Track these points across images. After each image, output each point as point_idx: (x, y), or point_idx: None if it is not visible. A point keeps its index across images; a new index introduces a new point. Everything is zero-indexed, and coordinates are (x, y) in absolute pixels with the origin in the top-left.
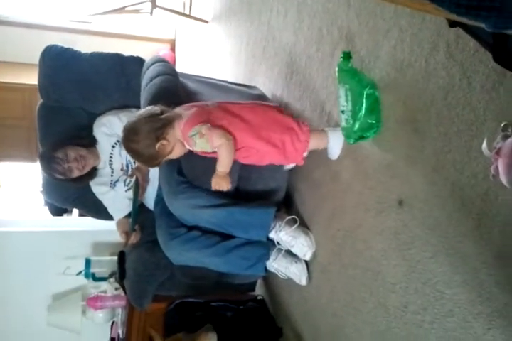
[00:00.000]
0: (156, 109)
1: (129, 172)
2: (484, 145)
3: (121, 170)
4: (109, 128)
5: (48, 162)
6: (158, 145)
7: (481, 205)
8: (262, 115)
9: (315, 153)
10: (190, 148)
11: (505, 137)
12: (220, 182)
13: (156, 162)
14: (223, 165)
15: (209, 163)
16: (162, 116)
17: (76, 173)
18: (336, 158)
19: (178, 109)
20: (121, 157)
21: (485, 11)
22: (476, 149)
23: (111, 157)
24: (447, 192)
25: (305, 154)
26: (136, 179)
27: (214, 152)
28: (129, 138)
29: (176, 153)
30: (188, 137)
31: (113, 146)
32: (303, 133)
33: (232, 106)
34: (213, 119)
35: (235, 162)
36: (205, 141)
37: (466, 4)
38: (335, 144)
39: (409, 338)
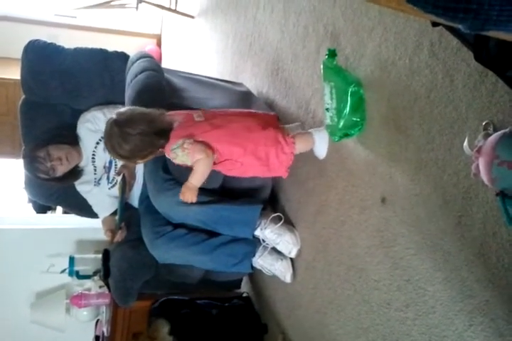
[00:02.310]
0: (159, 113)
1: (113, 170)
2: (466, 143)
3: (104, 167)
4: (94, 124)
5: (31, 161)
6: (150, 154)
7: (462, 203)
8: (249, 127)
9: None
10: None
11: (487, 136)
12: (188, 194)
13: (131, 160)
14: (196, 179)
15: None
16: (165, 126)
17: (59, 172)
18: (323, 158)
19: (168, 118)
20: (105, 154)
21: (462, 12)
22: (458, 147)
23: (93, 154)
24: (429, 190)
25: (289, 166)
26: (123, 176)
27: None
28: (124, 126)
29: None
30: (170, 150)
31: (97, 143)
32: (288, 145)
33: (219, 117)
34: (198, 134)
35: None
36: (185, 155)
37: (443, 5)
38: (321, 144)
39: (392, 335)
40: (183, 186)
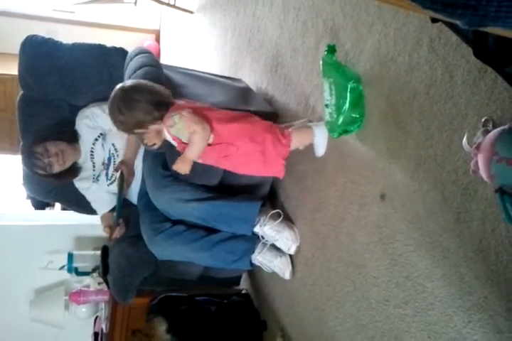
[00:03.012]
0: (166, 91)
1: (112, 166)
2: (465, 140)
3: (103, 164)
4: (93, 120)
5: (29, 157)
6: (148, 123)
7: (461, 200)
8: (247, 121)
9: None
10: (168, 136)
11: (486, 132)
12: (181, 165)
13: (128, 128)
14: (192, 151)
15: None
16: (168, 101)
17: (57, 168)
18: (322, 154)
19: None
20: (104, 150)
21: (460, 8)
22: (458, 144)
23: (92, 151)
24: (428, 186)
25: (284, 163)
26: (121, 173)
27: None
28: (128, 91)
29: (152, 138)
30: (169, 117)
31: (96, 139)
32: (285, 138)
33: (220, 110)
34: (197, 108)
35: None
36: (183, 124)
37: (442, 1)
38: (320, 139)
39: (391, 331)
40: (177, 159)
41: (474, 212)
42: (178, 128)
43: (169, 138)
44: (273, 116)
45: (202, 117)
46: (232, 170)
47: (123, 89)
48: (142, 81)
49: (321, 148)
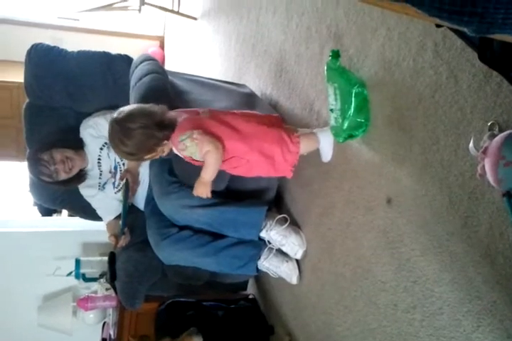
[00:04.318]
0: (159, 108)
1: (119, 175)
2: (471, 144)
3: (110, 172)
4: (96, 130)
5: (35, 164)
6: (155, 147)
7: (468, 204)
8: (255, 125)
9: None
10: (179, 154)
11: (492, 136)
12: (201, 189)
13: (137, 156)
14: (208, 172)
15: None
16: (166, 119)
17: (63, 176)
18: (329, 160)
19: (172, 113)
20: (110, 159)
21: (467, 16)
22: (464, 148)
23: (99, 159)
24: (435, 190)
25: (294, 166)
26: (127, 181)
27: (202, 161)
28: (124, 122)
29: (158, 155)
30: (179, 141)
31: (101, 148)
32: (293, 144)
33: (225, 115)
34: (205, 127)
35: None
36: (195, 146)
37: (448, 9)
38: (326, 144)
39: (399, 336)
40: (196, 183)
41: (482, 216)
42: (191, 152)
43: (180, 154)
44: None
45: (212, 135)
46: (241, 175)
47: (117, 122)
48: (134, 107)
49: (328, 154)
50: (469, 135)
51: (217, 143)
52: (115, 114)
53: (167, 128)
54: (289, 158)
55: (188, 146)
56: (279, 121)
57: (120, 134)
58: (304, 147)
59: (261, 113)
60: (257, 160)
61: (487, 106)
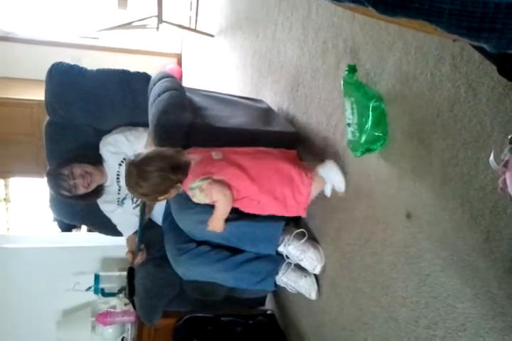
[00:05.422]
0: (174, 151)
1: None
2: (491, 157)
3: None
4: (116, 146)
5: (54, 179)
6: (169, 189)
7: (490, 218)
8: (266, 167)
9: None
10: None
11: None
12: (215, 225)
13: (152, 197)
14: (219, 215)
15: None
16: (181, 162)
17: (82, 190)
18: (343, 190)
19: (187, 155)
20: None
21: (486, 32)
22: (484, 161)
23: (118, 175)
24: (455, 204)
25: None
26: None
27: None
28: (141, 165)
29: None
30: (189, 189)
31: (119, 164)
32: (305, 186)
33: (237, 156)
34: (215, 172)
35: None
36: (204, 196)
37: (467, 26)
38: (333, 179)
39: None
40: (210, 218)
41: (504, 231)
42: (199, 199)
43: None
44: (295, 138)
45: (220, 181)
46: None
47: (135, 165)
48: (150, 150)
49: (339, 185)
50: (489, 148)
51: (226, 191)
52: (132, 157)
53: (182, 171)
54: (301, 199)
55: (197, 195)
56: (294, 157)
57: (137, 177)
58: (315, 188)
59: (277, 150)
60: (268, 202)
61: (507, 119)
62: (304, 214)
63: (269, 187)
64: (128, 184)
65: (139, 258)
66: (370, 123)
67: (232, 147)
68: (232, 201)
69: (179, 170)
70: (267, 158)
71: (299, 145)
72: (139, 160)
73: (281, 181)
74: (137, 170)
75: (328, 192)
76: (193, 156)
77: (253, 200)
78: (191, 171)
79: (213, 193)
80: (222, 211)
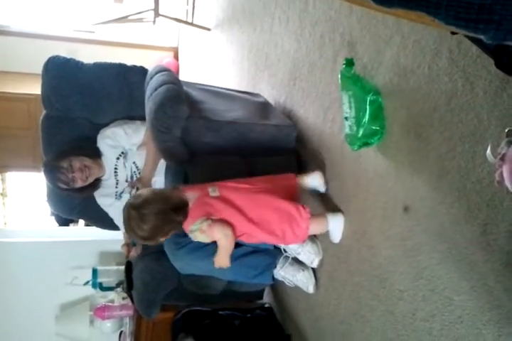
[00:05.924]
0: (172, 191)
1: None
2: (488, 151)
3: (126, 181)
4: (114, 140)
5: (52, 171)
6: (170, 230)
7: (487, 211)
8: (263, 205)
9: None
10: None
11: (510, 143)
12: (221, 263)
13: (153, 240)
14: (222, 253)
15: None
16: (180, 202)
17: (80, 183)
18: (337, 242)
19: (185, 195)
20: (126, 168)
21: (483, 23)
22: (481, 155)
23: (116, 168)
24: (452, 198)
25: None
26: (137, 190)
27: None
28: (140, 208)
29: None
30: (190, 231)
31: (117, 158)
32: (303, 220)
33: (233, 193)
34: (214, 212)
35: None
36: (205, 236)
37: (465, 17)
38: (335, 229)
39: None
40: (216, 255)
41: (501, 224)
42: (202, 240)
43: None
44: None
45: (220, 220)
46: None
47: (134, 207)
48: (149, 192)
49: (336, 236)
50: (486, 142)
51: (227, 230)
52: (131, 199)
53: (181, 211)
54: (300, 233)
55: (198, 236)
56: (292, 182)
57: (137, 220)
58: (313, 229)
59: (277, 179)
60: (267, 238)
61: (504, 113)
62: (303, 243)
63: (267, 227)
64: (127, 227)
65: (134, 252)
66: (367, 117)
67: (230, 179)
68: (233, 239)
69: (180, 210)
70: (264, 194)
71: (295, 142)
72: (138, 202)
73: (279, 219)
74: (137, 213)
75: (336, 239)
76: (190, 194)
77: (253, 237)
78: (190, 212)
79: (214, 234)
80: (225, 250)
